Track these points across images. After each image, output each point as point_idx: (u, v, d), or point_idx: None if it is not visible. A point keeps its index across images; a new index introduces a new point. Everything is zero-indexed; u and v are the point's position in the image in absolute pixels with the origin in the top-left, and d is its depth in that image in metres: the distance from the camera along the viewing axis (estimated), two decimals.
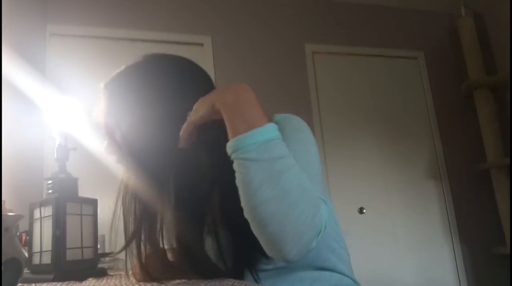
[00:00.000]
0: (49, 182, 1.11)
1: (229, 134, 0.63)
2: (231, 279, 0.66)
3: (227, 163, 0.64)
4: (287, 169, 0.58)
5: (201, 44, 3.35)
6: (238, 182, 0.61)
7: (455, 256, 3.48)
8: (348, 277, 0.86)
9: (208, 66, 3.18)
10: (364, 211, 3.39)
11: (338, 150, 3.49)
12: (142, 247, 0.81)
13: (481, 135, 3.57)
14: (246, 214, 0.60)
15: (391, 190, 3.53)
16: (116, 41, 3.15)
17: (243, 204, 0.61)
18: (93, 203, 1.14)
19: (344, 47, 3.76)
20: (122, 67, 0.85)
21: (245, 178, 0.59)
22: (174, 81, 0.80)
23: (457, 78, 3.88)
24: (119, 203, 0.86)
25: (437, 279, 3.41)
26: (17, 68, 2.24)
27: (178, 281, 0.74)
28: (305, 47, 3.65)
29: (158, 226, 0.82)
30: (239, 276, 0.75)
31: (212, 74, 0.98)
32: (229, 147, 0.62)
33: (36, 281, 0.98)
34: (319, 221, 0.59)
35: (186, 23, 3.37)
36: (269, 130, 0.61)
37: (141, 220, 0.82)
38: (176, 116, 0.73)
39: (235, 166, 0.62)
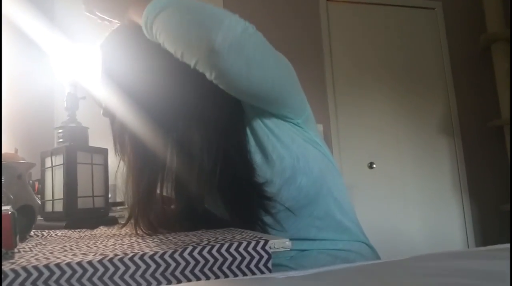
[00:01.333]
0: (60, 131, 1.11)
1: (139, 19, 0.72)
2: (239, 229, 0.67)
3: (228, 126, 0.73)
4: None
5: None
6: (163, 37, 0.68)
7: (464, 212, 3.50)
8: (357, 240, 0.84)
9: None
10: (374, 166, 3.40)
11: (350, 102, 3.43)
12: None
13: (496, 91, 3.48)
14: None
15: (402, 145, 3.51)
16: None
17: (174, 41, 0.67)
18: (104, 152, 1.15)
19: None
20: (117, 26, 0.84)
21: (164, 24, 0.67)
22: None
23: (475, 30, 3.72)
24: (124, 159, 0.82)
25: (445, 234, 3.45)
26: (26, 14, 2.20)
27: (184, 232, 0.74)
28: None
29: (159, 180, 0.81)
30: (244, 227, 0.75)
31: None
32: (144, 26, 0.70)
33: (49, 228, 1.00)
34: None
35: None
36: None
37: (143, 175, 0.79)
38: (177, 66, 0.72)
39: (155, 30, 0.68)
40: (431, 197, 3.52)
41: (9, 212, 0.52)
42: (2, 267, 0.42)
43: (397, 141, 3.53)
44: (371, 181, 3.40)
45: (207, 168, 0.74)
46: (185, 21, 0.65)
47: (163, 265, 0.42)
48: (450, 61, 3.72)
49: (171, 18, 0.67)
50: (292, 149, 0.76)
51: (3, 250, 0.49)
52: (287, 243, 0.49)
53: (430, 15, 3.80)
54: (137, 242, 0.58)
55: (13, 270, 0.42)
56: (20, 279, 0.42)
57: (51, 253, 0.52)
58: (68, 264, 0.42)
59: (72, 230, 0.93)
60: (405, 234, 3.38)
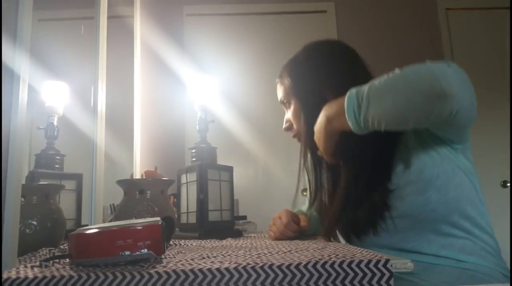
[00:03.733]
0: (193, 151, 1.24)
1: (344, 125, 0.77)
2: (361, 248, 0.69)
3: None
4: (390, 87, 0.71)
5: (325, 11, 3.31)
6: (384, 120, 0.71)
7: None
8: (486, 266, 0.81)
9: (331, 33, 3.13)
10: (508, 184, 3.07)
11: (479, 115, 3.17)
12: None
13: None
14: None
15: None
16: (243, 17, 3.29)
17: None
18: (230, 170, 1.25)
19: (479, 1, 3.34)
20: (300, 51, 0.98)
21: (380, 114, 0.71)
22: (345, 64, 0.93)
23: None
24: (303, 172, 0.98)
25: None
26: (161, 49, 2.50)
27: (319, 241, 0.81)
28: (438, 4, 3.35)
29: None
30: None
31: None
32: (355, 125, 0.74)
33: (184, 238, 1.12)
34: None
35: None
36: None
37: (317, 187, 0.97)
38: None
39: (371, 120, 0.72)
40: None
41: (160, 222, 0.62)
42: (156, 269, 0.51)
43: None
44: (505, 201, 3.07)
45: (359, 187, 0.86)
46: (401, 91, 0.69)
47: (290, 275, 0.47)
48: None
49: (383, 101, 0.71)
50: (436, 166, 0.81)
51: (155, 255, 0.59)
52: (409, 264, 0.50)
53: None
54: (264, 254, 0.63)
55: (166, 272, 0.50)
56: (171, 280, 0.50)
57: (192, 259, 0.60)
58: (209, 270, 0.49)
59: (204, 240, 1.03)
60: None
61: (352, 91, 0.74)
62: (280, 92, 1.01)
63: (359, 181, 0.86)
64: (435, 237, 0.81)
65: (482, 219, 0.84)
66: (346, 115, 0.74)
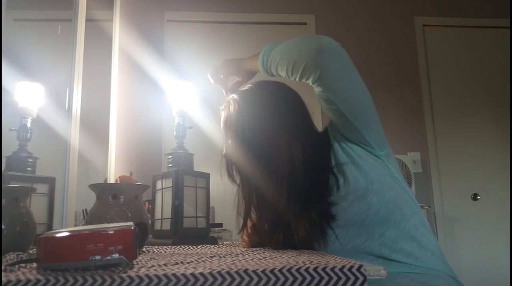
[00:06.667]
0: (170, 157, 1.23)
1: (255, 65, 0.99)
2: (334, 255, 0.69)
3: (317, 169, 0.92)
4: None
5: (305, 23, 3.36)
6: (278, 59, 0.91)
7: None
8: (435, 269, 0.87)
9: None
10: (479, 197, 3.15)
11: (450, 129, 3.26)
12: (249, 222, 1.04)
13: None
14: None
15: (510, 175, 3.21)
16: (225, 25, 3.30)
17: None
18: (206, 176, 1.25)
19: (458, 18, 3.45)
20: (247, 87, 1.06)
21: (277, 61, 0.91)
22: (282, 101, 1.01)
23: None
24: (239, 191, 1.04)
25: None
26: (140, 54, 2.48)
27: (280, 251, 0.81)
28: (415, 20, 3.44)
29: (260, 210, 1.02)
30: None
31: None
32: (260, 63, 0.96)
33: (157, 244, 1.11)
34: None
35: (291, 3, 3.39)
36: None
37: (250, 205, 1.01)
38: (285, 126, 0.95)
39: (270, 60, 0.93)
40: None
41: (132, 227, 0.61)
42: (128, 273, 0.50)
43: (504, 171, 3.24)
44: (475, 214, 3.15)
45: (294, 191, 0.92)
46: (297, 43, 0.88)
47: (264, 279, 0.46)
48: None
49: (284, 47, 0.91)
50: (368, 174, 0.89)
51: (127, 260, 0.57)
52: (382, 272, 0.50)
53: None
54: (238, 260, 0.63)
55: (138, 276, 0.49)
56: (143, 284, 0.49)
57: (165, 265, 0.59)
58: (183, 274, 0.49)
59: (178, 247, 1.02)
60: None
61: (267, 47, 0.95)
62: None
63: (297, 201, 0.92)
64: (384, 240, 0.88)
65: (417, 217, 0.92)
66: (259, 59, 0.95)
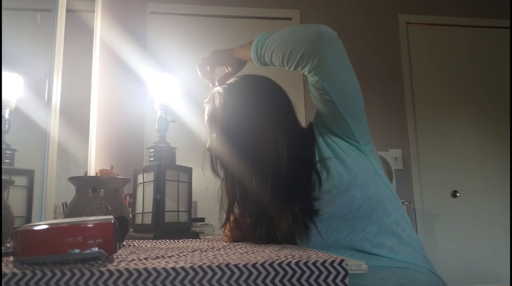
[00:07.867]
0: (151, 150, 1.22)
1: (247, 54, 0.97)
2: (316, 250, 0.70)
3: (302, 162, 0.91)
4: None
5: (289, 18, 3.36)
6: (273, 47, 0.89)
7: None
8: (416, 263, 0.88)
9: None
10: (458, 194, 3.21)
11: (431, 126, 3.31)
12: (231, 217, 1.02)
13: None
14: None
15: (488, 173, 3.29)
16: (209, 18, 3.28)
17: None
18: (189, 171, 1.23)
19: (441, 17, 3.50)
20: (231, 80, 1.04)
21: (272, 51, 0.89)
22: (267, 94, 1.00)
23: None
24: (223, 185, 1.01)
25: None
26: (122, 46, 2.44)
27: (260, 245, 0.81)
28: (399, 18, 3.48)
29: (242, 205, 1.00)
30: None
31: None
32: (253, 51, 0.94)
33: (138, 238, 1.09)
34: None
35: None
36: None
37: (234, 200, 0.99)
38: (271, 120, 0.94)
39: (264, 48, 0.91)
40: None
41: (112, 221, 0.60)
42: (107, 267, 0.49)
43: (484, 170, 3.31)
44: (455, 210, 3.21)
45: (278, 186, 0.91)
46: (294, 30, 0.87)
47: (246, 273, 0.46)
48: None
49: (281, 34, 0.89)
50: (352, 169, 0.89)
51: (106, 254, 0.57)
52: (364, 266, 0.50)
53: None
54: (220, 254, 0.62)
55: (117, 270, 0.48)
56: (123, 278, 0.48)
57: (145, 259, 0.59)
58: (164, 268, 0.48)
59: (160, 241, 1.01)
60: (491, 269, 3.13)
61: (260, 35, 0.93)
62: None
63: (280, 196, 0.91)
64: (365, 235, 0.89)
65: (399, 212, 0.93)
66: (252, 48, 0.94)
